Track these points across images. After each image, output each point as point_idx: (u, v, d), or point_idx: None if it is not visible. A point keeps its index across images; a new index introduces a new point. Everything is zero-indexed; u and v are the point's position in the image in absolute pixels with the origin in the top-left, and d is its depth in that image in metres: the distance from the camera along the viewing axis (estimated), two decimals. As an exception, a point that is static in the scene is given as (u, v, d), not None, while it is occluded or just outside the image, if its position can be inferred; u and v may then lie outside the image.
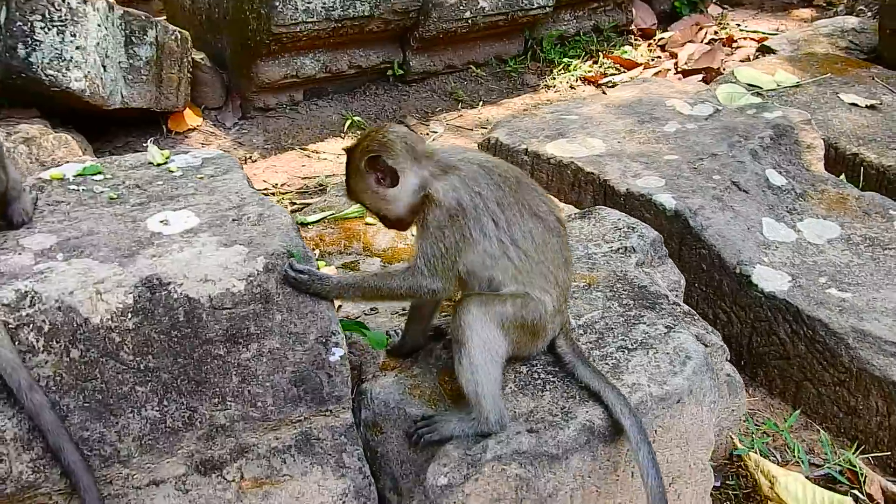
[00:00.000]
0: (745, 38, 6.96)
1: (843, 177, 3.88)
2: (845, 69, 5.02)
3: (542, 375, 2.19)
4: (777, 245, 3.06)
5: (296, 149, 5.27)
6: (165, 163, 2.56)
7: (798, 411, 2.73)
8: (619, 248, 2.67)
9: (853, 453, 2.54)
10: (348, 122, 5.38)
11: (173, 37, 4.88)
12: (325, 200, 3.41)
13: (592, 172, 3.49)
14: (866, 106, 4.41)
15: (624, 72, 6.23)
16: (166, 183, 2.40)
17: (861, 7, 6.82)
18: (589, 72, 6.18)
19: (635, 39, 6.77)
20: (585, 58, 6.34)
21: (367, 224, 3.18)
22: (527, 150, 3.77)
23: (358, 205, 3.25)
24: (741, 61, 6.40)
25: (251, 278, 1.96)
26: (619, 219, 2.86)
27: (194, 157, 2.63)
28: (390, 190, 2.21)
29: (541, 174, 3.72)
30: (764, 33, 6.96)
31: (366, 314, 2.63)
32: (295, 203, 4.63)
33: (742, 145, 3.60)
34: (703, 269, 3.04)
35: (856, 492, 2.49)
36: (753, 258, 2.96)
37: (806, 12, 7.71)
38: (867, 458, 2.61)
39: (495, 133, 3.97)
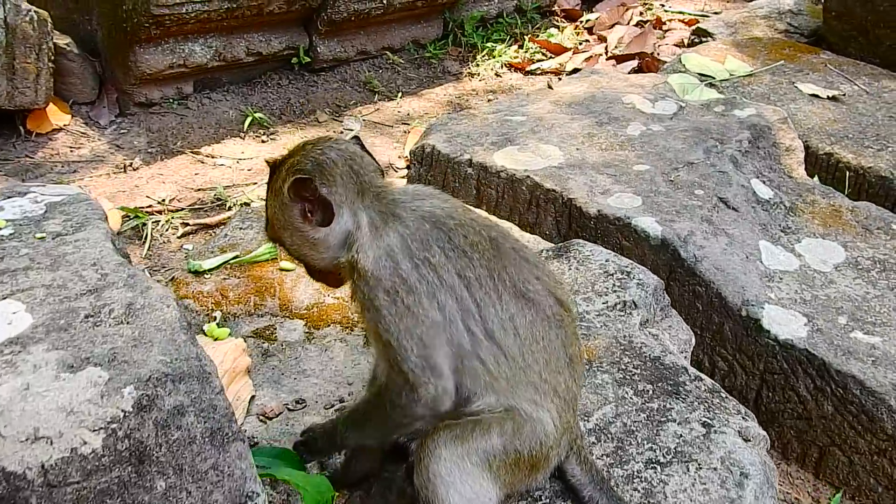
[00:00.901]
0: (672, 20, 6.60)
1: (816, 179, 3.48)
2: (795, 55, 4.64)
3: (555, 514, 1.59)
4: (780, 276, 2.58)
5: (186, 153, 4.47)
6: (-11, 213, 1.78)
7: (839, 495, 2.25)
8: (616, 304, 2.09)
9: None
10: (248, 120, 4.63)
11: (27, 17, 3.99)
12: (225, 236, 2.67)
13: (554, 189, 2.90)
14: (828, 97, 4.04)
15: (552, 57, 5.75)
16: (-13, 247, 1.63)
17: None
18: (515, 57, 5.65)
19: (560, 21, 6.29)
20: (510, 42, 5.80)
21: (282, 270, 2.47)
22: (471, 160, 3.14)
23: (271, 244, 2.56)
24: (675, 45, 6.02)
25: (114, 426, 1.24)
26: (608, 259, 2.28)
27: (34, 201, 1.85)
28: (320, 230, 1.61)
29: (489, 190, 3.10)
30: (691, 14, 6.63)
31: (290, 409, 1.95)
32: (188, 224, 3.83)
33: (719, 151, 3.10)
34: (697, 310, 2.52)
35: None
36: (760, 296, 2.46)
37: (725, -8, 7.43)
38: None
39: (430, 139, 3.31)
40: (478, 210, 2.54)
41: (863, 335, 2.34)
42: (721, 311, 2.47)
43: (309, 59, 5.01)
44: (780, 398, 2.38)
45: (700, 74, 4.27)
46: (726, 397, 1.88)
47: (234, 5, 4.31)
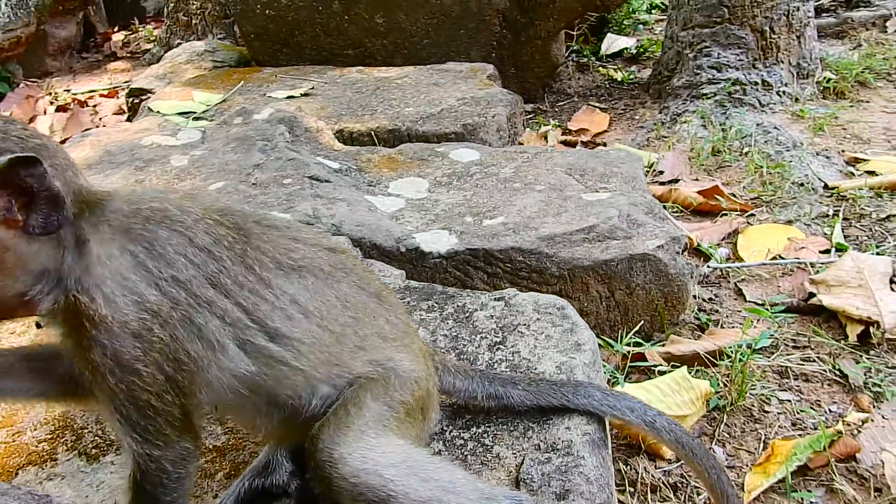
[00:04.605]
0: (91, 98, 6.35)
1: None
2: (245, 77, 4.94)
3: (474, 429, 1.46)
4: (401, 214, 2.78)
5: None
6: None
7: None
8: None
9: (626, 343, 2.53)
10: None
11: None
12: None
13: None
14: (301, 95, 4.42)
15: None
16: None
17: (185, 40, 6.87)
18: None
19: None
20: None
21: None
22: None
23: None
24: (115, 114, 5.82)
25: None
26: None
27: None
28: (31, 240, 1.18)
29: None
30: (99, 90, 6.51)
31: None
32: None
33: (273, 147, 3.14)
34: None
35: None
36: (403, 231, 2.61)
37: (121, 64, 7.45)
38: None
39: None
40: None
41: (490, 221, 2.71)
42: (383, 256, 2.56)
43: None
44: (465, 300, 2.60)
45: (179, 114, 4.21)
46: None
47: None
